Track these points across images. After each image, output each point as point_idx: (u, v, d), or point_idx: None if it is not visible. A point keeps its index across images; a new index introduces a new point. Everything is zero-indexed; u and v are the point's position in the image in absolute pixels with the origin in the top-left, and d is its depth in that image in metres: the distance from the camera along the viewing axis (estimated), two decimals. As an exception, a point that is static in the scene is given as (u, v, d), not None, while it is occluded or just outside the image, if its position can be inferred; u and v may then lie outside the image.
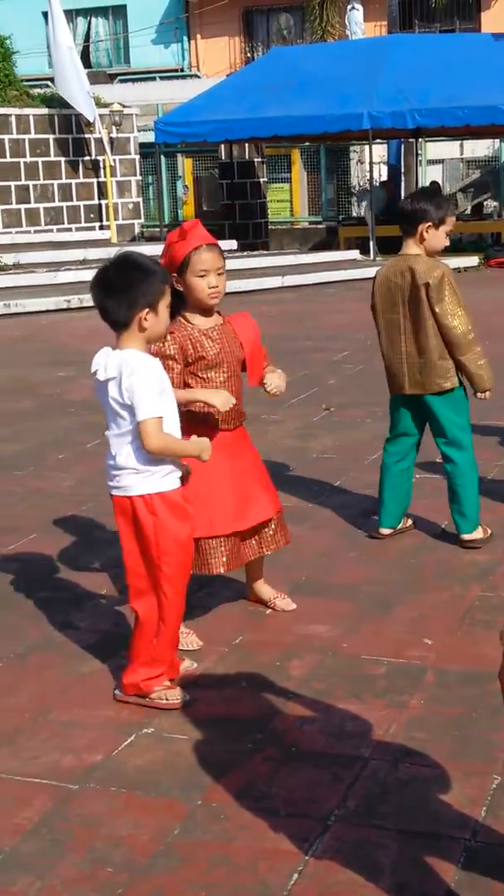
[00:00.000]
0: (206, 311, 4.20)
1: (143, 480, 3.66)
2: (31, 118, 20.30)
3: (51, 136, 20.55)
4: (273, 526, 4.50)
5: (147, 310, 3.58)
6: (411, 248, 5.09)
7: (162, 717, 3.76)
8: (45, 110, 20.49)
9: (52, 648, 4.33)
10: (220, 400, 4.10)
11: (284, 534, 4.57)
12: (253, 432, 7.64)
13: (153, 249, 19.20)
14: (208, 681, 4.02)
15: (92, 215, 21.24)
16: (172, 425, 3.71)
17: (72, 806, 3.26)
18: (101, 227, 20.95)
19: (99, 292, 3.61)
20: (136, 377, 3.55)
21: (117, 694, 3.88)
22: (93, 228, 20.90)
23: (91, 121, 20.33)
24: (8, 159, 19.91)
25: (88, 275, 13.33)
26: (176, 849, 3.05)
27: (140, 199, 22.24)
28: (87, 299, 14.40)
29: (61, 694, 3.95)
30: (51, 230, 20.22)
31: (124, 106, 21.75)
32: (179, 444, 3.72)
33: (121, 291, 3.56)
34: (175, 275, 4.04)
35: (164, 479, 3.68)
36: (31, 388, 9.46)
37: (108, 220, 20.83)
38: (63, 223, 20.70)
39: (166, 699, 3.80)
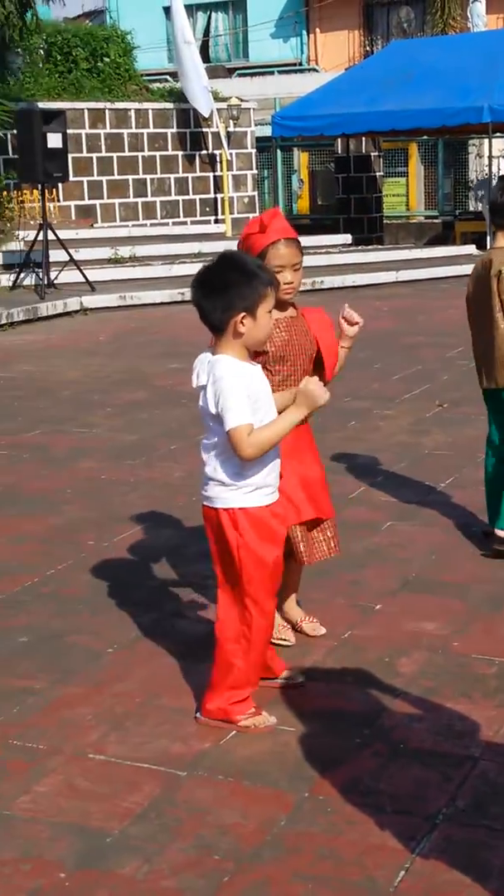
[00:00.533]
0: (280, 305, 3.90)
1: (229, 493, 3.50)
2: (150, 112, 20.49)
3: (169, 131, 20.72)
4: (330, 531, 4.25)
5: (244, 314, 3.37)
6: (499, 241, 5.01)
7: (269, 708, 3.76)
8: (163, 105, 20.67)
9: (162, 636, 4.37)
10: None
11: (338, 542, 4.29)
12: (365, 427, 7.66)
13: (268, 243, 19.32)
14: (317, 674, 4.02)
15: (207, 209, 21.37)
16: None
17: (180, 792, 3.29)
18: (217, 221, 21.06)
19: (196, 292, 3.43)
20: (222, 384, 3.36)
21: (199, 717, 3.69)
22: (208, 222, 21.02)
23: (207, 116, 20.44)
24: (126, 153, 20.14)
25: (204, 267, 13.15)
26: (282, 839, 3.05)
27: (255, 193, 22.29)
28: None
29: (171, 681, 3.99)
30: (166, 224, 20.41)
31: (242, 100, 21.82)
32: (273, 428, 3.44)
33: (218, 293, 3.37)
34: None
35: (251, 495, 3.50)
36: (145, 380, 9.57)
37: (223, 213, 20.93)
38: (179, 217, 20.86)
39: (254, 726, 3.62)
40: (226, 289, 3.36)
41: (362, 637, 4.32)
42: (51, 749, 3.53)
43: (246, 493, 3.49)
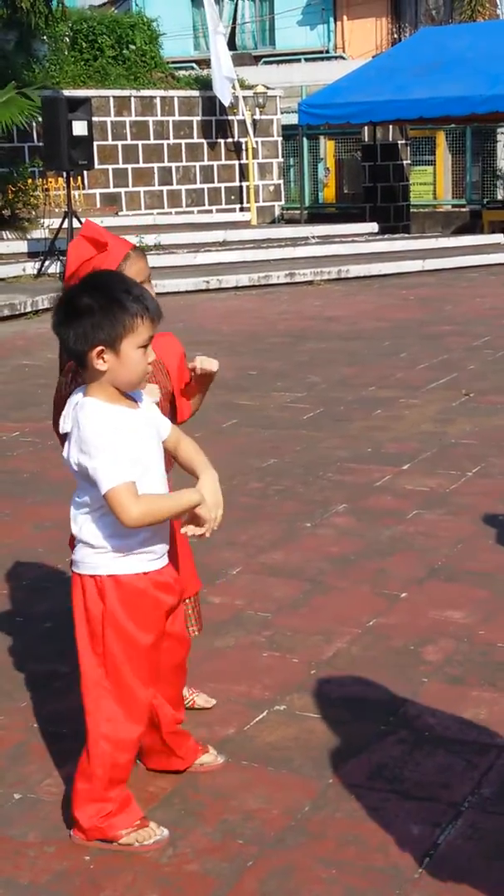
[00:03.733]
0: None
1: (97, 558, 2.88)
2: (176, 100, 20.49)
3: (195, 119, 20.72)
4: (194, 605, 3.70)
5: (101, 348, 2.74)
6: None
7: (294, 695, 3.76)
8: (189, 92, 20.66)
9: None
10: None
11: (200, 619, 3.73)
12: (390, 416, 7.64)
13: (294, 231, 19.28)
14: (341, 661, 4.01)
15: (233, 197, 21.35)
16: (156, 486, 2.87)
17: (203, 778, 3.28)
18: (242, 209, 21.05)
19: (53, 317, 2.82)
20: (86, 435, 2.74)
21: (73, 837, 3.00)
22: (233, 210, 21.02)
23: (226, 105, 20.40)
24: (152, 141, 20.15)
25: (228, 256, 13.57)
26: (306, 825, 3.05)
27: (281, 182, 22.26)
28: (226, 281, 14.61)
29: (195, 667, 3.95)
30: (191, 212, 20.40)
31: (268, 88, 21.78)
32: (167, 500, 2.86)
33: (73, 320, 2.75)
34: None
35: (125, 560, 2.87)
36: (170, 367, 9.55)
37: (248, 202, 20.91)
38: (204, 205, 20.86)
39: (137, 843, 2.96)
40: (81, 316, 2.74)
41: (387, 625, 4.31)
42: (74, 733, 3.52)
43: (118, 558, 2.87)
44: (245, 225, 19.75)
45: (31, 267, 14.72)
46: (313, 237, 18.90)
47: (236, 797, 3.19)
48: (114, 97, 19.69)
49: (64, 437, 2.87)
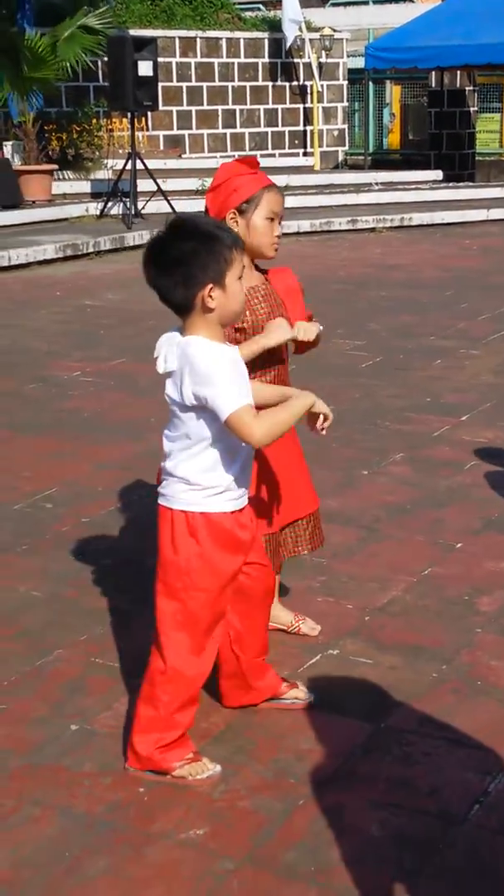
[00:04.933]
0: (254, 267, 3.50)
1: (190, 495, 2.97)
2: (242, 42, 20.27)
3: (260, 61, 20.49)
4: (311, 523, 3.78)
5: (211, 286, 2.83)
6: None
7: (347, 640, 3.79)
8: (255, 34, 20.43)
9: (243, 565, 4.40)
10: (277, 335, 3.27)
11: (320, 534, 3.83)
12: (450, 366, 7.59)
13: (357, 177, 19.10)
14: (395, 608, 4.03)
15: (296, 141, 21.16)
16: None
17: (257, 717, 3.34)
18: (305, 154, 20.85)
19: (149, 271, 2.88)
20: (204, 368, 2.82)
21: (127, 768, 3.10)
22: (296, 155, 20.83)
23: (288, 46, 20.13)
24: (216, 83, 19.97)
25: (290, 201, 13.30)
26: (357, 767, 3.09)
27: (345, 127, 22.01)
28: (287, 225, 14.49)
29: (250, 609, 4.03)
30: (255, 156, 20.25)
31: (335, 31, 21.46)
32: (282, 412, 2.96)
33: (176, 267, 2.83)
34: (234, 210, 3.36)
35: (216, 499, 2.97)
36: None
37: (312, 146, 20.71)
38: (267, 149, 20.69)
39: (191, 776, 3.06)
40: (184, 261, 2.82)
41: (442, 575, 4.32)
42: (131, 669, 3.60)
43: (210, 496, 2.97)
44: (308, 170, 19.58)
45: (93, 207, 14.71)
46: (376, 184, 18.70)
47: (288, 738, 3.23)
48: (179, 38, 19.51)
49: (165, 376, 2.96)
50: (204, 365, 2.82)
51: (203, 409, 2.87)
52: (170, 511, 3.01)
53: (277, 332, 3.30)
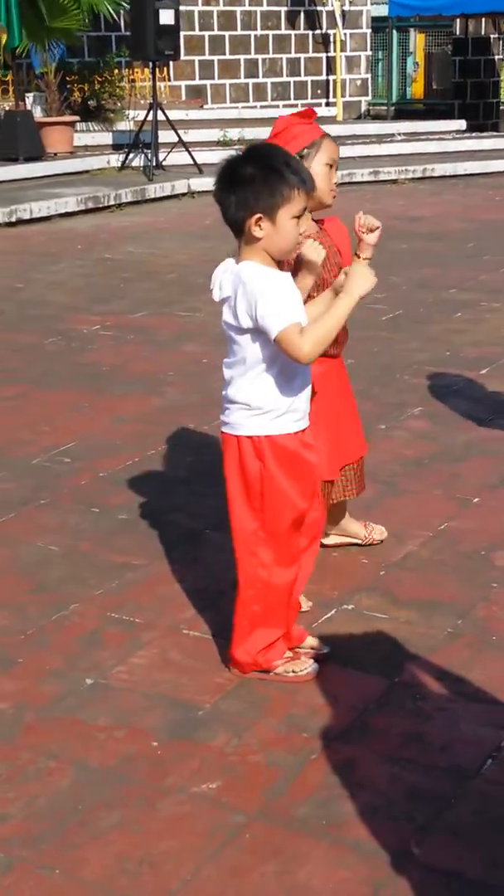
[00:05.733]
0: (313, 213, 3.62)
1: (253, 419, 3.09)
2: (264, -11, 19.99)
3: (282, 9, 20.20)
4: (359, 467, 3.98)
5: (259, 215, 2.93)
6: None
7: (362, 595, 3.79)
8: (278, -20, 20.14)
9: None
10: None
11: (362, 479, 4.03)
12: (471, 319, 7.53)
13: (379, 128, 18.88)
14: (411, 563, 4.03)
15: (319, 91, 20.91)
16: None
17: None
18: (328, 104, 20.61)
19: (215, 185, 3.02)
20: (255, 289, 2.95)
21: (230, 669, 3.33)
22: (319, 105, 20.56)
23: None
24: (238, 32, 19.71)
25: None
26: (370, 722, 3.10)
27: (369, 76, 21.74)
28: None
29: (266, 564, 4.03)
30: (277, 106, 20.03)
31: (359, -23, 21.14)
32: (329, 319, 3.04)
33: (235, 188, 2.94)
34: (295, 157, 3.28)
35: (278, 421, 3.09)
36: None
37: (335, 96, 20.46)
38: (290, 99, 20.45)
39: (294, 672, 3.29)
40: (243, 184, 2.93)
41: (459, 529, 4.31)
42: (147, 623, 3.61)
43: (273, 419, 3.08)
44: (331, 120, 19.35)
45: (115, 159, 14.60)
46: (399, 134, 18.49)
47: (302, 692, 3.24)
48: (202, -15, 19.28)
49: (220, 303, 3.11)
50: (255, 286, 2.95)
51: (258, 332, 3.00)
52: (235, 438, 3.14)
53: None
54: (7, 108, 14.18)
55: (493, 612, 3.68)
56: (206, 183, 13.78)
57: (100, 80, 16.38)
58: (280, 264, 3.10)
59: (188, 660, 3.41)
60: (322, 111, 20.09)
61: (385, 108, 21.72)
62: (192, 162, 14.10)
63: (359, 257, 3.51)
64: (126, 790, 2.83)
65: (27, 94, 15.35)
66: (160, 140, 14.23)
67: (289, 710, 3.16)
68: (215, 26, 19.43)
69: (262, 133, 17.09)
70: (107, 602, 3.76)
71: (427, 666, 3.37)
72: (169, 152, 14.19)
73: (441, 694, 3.23)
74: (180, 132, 14.36)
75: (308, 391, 3.17)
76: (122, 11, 16.31)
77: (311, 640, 3.42)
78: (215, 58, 19.47)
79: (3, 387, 6.16)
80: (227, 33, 19.58)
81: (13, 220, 11.28)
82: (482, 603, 3.74)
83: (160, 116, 13.97)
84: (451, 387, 6.08)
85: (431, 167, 15.73)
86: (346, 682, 3.30)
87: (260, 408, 3.08)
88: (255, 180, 2.92)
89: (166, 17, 13.59)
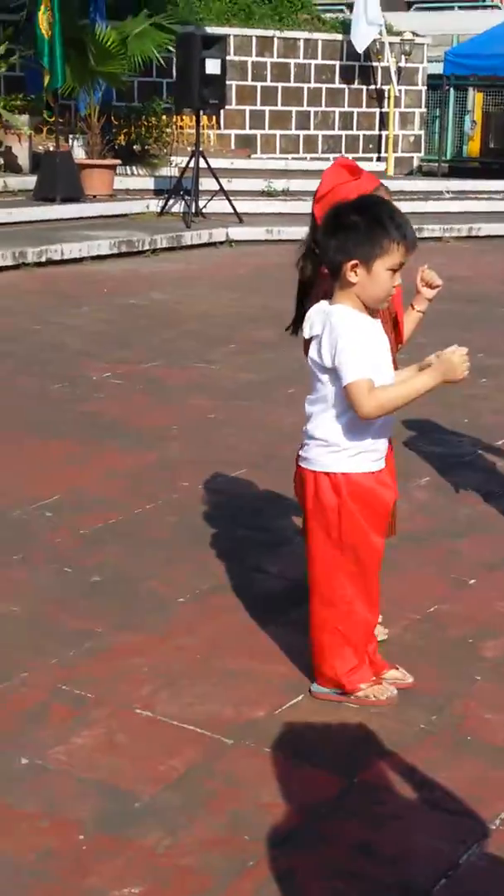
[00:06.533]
0: None
1: (331, 456, 3.23)
2: (320, 43, 19.99)
3: (337, 63, 20.19)
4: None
5: (356, 262, 3.10)
6: None
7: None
8: (334, 36, 20.14)
9: (237, 591, 4.16)
10: (455, 371, 3.19)
11: (393, 524, 3.82)
12: (495, 387, 7.27)
13: (428, 185, 18.73)
14: (392, 648, 3.75)
15: (371, 146, 20.84)
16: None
17: (221, 762, 3.09)
18: (379, 159, 20.53)
19: (321, 228, 3.22)
20: (338, 335, 3.10)
21: (313, 691, 3.41)
22: (370, 159, 20.49)
23: (359, 52, 19.76)
24: (292, 84, 19.71)
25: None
26: (319, 827, 2.83)
27: (422, 132, 21.64)
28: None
29: (236, 640, 3.79)
30: (327, 159, 19.96)
31: (416, 35, 21.10)
32: (402, 388, 3.17)
33: (337, 232, 3.12)
34: None
35: (355, 459, 3.22)
36: (277, 318, 9.21)
37: (386, 151, 20.37)
38: (340, 152, 20.37)
39: (374, 696, 3.37)
40: (345, 230, 3.11)
41: (449, 613, 4.04)
42: (97, 699, 3.37)
43: (349, 457, 3.22)
44: (379, 175, 19.19)
45: (155, 204, 14.53)
46: (447, 192, 18.32)
47: (251, 787, 2.98)
48: (256, 37, 19.27)
49: (307, 343, 3.25)
50: (340, 330, 3.10)
51: (338, 373, 3.13)
52: (312, 474, 3.26)
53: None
54: (49, 149, 14.16)
55: (472, 709, 3.41)
56: (246, 232, 13.71)
57: (146, 124, 16.39)
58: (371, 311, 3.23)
59: (134, 743, 3.16)
60: (372, 166, 20.01)
61: (436, 164, 21.59)
62: (232, 211, 13.99)
63: (413, 308, 3.79)
64: (38, 890, 2.58)
65: (71, 136, 15.39)
66: (204, 188, 14.15)
67: (232, 806, 2.90)
68: (269, 77, 19.44)
69: (309, 185, 17.00)
70: (59, 673, 3.53)
71: (391, 765, 3.11)
72: (209, 200, 14.10)
73: (401, 799, 2.96)
74: (225, 181, 14.28)
75: (388, 434, 3.31)
76: (173, 58, 16.34)
77: (393, 673, 3.48)
78: (267, 108, 19.47)
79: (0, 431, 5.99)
80: (280, 84, 19.58)
81: (43, 260, 11.18)
82: (461, 698, 3.47)
83: (202, 164, 13.89)
84: (464, 456, 5.82)
85: (478, 226, 15.53)
86: (302, 778, 3.04)
87: (338, 445, 3.20)
88: (358, 228, 3.09)
89: (212, 66, 13.55)
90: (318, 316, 3.20)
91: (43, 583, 4.18)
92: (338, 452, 3.21)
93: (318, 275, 3.50)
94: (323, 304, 3.24)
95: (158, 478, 5.32)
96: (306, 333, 3.25)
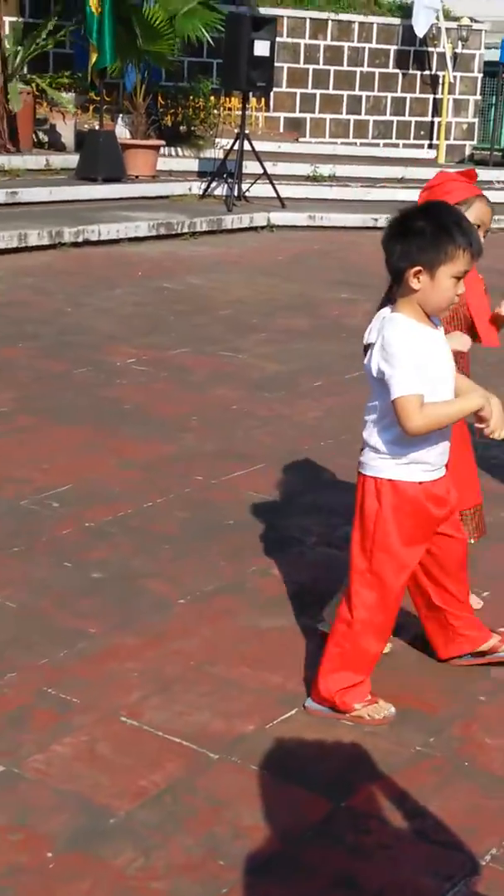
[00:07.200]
0: None
1: (380, 462, 3.18)
2: (375, 27, 19.72)
3: (392, 47, 19.92)
4: (473, 515, 4.07)
5: (419, 269, 3.02)
6: None
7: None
8: (390, 20, 19.85)
9: (240, 593, 4.03)
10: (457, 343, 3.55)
11: (481, 528, 4.13)
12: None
13: (481, 174, 18.41)
14: (394, 663, 3.60)
15: (422, 132, 20.55)
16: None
17: (204, 778, 2.97)
18: (430, 146, 20.25)
19: (385, 232, 3.13)
20: (390, 347, 3.03)
21: (307, 706, 3.31)
22: (420, 146, 20.24)
23: (419, 36, 19.47)
24: (344, 67, 19.47)
25: (404, 194, 12.80)
26: (300, 854, 2.70)
27: (476, 120, 21.30)
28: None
29: (234, 646, 3.66)
30: (377, 144, 19.72)
31: (474, 21, 20.74)
32: (447, 407, 3.12)
33: (401, 237, 3.04)
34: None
35: (405, 468, 3.16)
36: (312, 307, 9.14)
37: (438, 139, 20.07)
38: (391, 138, 20.13)
39: (368, 716, 3.26)
40: (410, 235, 3.03)
41: (458, 626, 3.88)
42: (83, 705, 3.26)
43: (398, 465, 3.16)
44: (428, 163, 18.93)
45: (197, 187, 14.37)
46: (498, 182, 18.02)
47: (232, 808, 2.86)
48: (311, 19, 19.04)
49: (367, 348, 3.17)
50: (391, 343, 3.04)
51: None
52: (363, 478, 3.23)
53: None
54: (94, 128, 14.03)
55: (472, 733, 3.26)
56: (287, 217, 13.52)
57: (194, 105, 16.22)
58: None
59: (116, 754, 3.04)
60: (422, 153, 19.76)
61: (488, 153, 21.23)
62: (275, 195, 13.81)
63: (500, 315, 3.81)
64: (0, 910, 2.47)
65: (117, 115, 15.26)
66: (249, 171, 13.97)
67: (211, 827, 2.78)
68: (321, 60, 19.20)
69: (356, 171, 16.84)
70: (48, 674, 3.42)
71: (382, 790, 2.97)
72: (252, 183, 13.92)
73: (389, 827, 2.82)
74: (270, 164, 14.11)
75: (445, 446, 3.22)
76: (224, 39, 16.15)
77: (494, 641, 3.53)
78: (318, 91, 19.25)
79: (18, 415, 5.88)
80: (332, 68, 19.34)
81: (79, 240, 11.07)
82: (462, 719, 3.32)
83: (246, 147, 13.72)
84: (491, 459, 5.64)
85: (525, 219, 15.23)
86: (286, 800, 2.91)
87: (386, 453, 3.16)
88: (424, 234, 3.01)
89: (261, 48, 13.36)
90: (377, 323, 3.15)
91: (41, 577, 4.07)
92: (388, 459, 3.17)
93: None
94: (385, 310, 3.17)
95: (172, 470, 5.20)
96: (365, 339, 3.18)
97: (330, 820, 2.84)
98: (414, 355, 3.04)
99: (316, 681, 3.30)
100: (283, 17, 18.04)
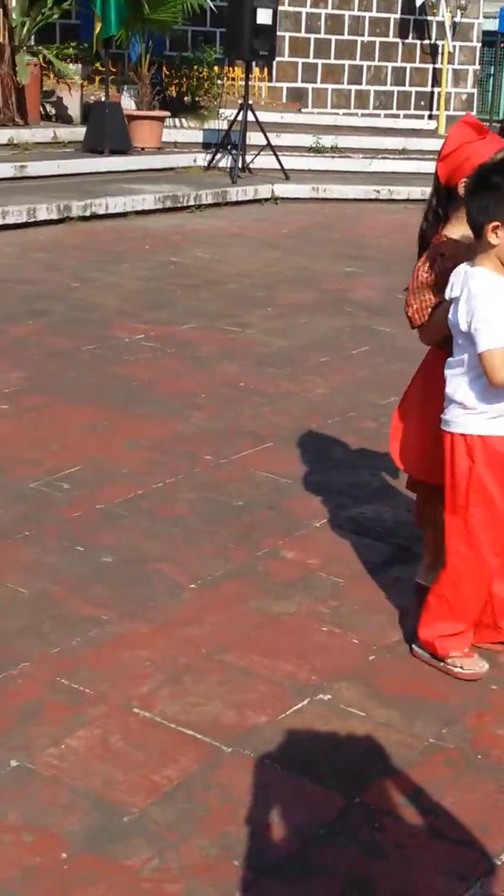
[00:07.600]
0: None
1: (468, 418, 3.22)
2: (376, -5, 19.52)
3: (392, 16, 19.73)
4: None
5: (497, 224, 3.07)
6: None
7: (342, 684, 3.36)
8: (391, -13, 19.64)
9: (252, 578, 4.00)
10: None
11: None
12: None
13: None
14: (405, 650, 3.57)
15: (422, 103, 20.39)
16: None
17: (218, 772, 2.94)
18: (430, 117, 20.08)
19: (465, 187, 3.22)
20: (476, 301, 3.09)
21: (413, 649, 3.50)
22: (421, 117, 20.07)
23: (419, 4, 19.24)
24: (345, 37, 19.28)
25: (405, 165, 12.75)
26: (314, 853, 2.68)
27: (475, 91, 21.13)
28: (398, 191, 13.86)
29: (246, 633, 3.63)
30: (378, 115, 19.56)
31: (474, -11, 20.53)
32: None
33: (482, 192, 3.09)
34: (465, 179, 3.32)
35: (493, 422, 3.20)
36: (316, 280, 9.08)
37: (438, 109, 19.91)
38: (392, 108, 19.98)
39: (462, 668, 3.39)
40: (489, 191, 3.08)
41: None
42: (96, 696, 3.24)
43: (488, 420, 3.20)
44: (429, 133, 18.78)
45: (202, 158, 14.27)
46: (498, 153, 17.84)
47: (245, 805, 2.83)
48: (312, -15, 18.87)
49: (448, 303, 3.24)
50: (477, 295, 3.09)
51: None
52: (450, 435, 3.26)
53: None
54: (100, 99, 13.89)
55: (485, 723, 3.24)
56: (291, 189, 13.42)
57: (197, 76, 16.07)
58: None
59: (129, 748, 3.02)
60: (422, 123, 19.61)
61: (488, 123, 21.08)
62: (279, 167, 13.70)
63: None
64: (15, 911, 2.45)
65: (122, 86, 15.11)
66: (253, 142, 13.85)
67: (226, 827, 2.75)
68: (322, 29, 19.02)
69: (357, 142, 16.70)
70: (61, 664, 3.39)
71: (396, 784, 2.94)
72: (256, 155, 13.81)
73: (403, 824, 2.80)
74: (273, 135, 13.99)
75: None
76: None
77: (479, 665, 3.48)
78: (319, 61, 19.08)
79: (27, 395, 5.83)
80: (333, 37, 19.17)
81: (87, 214, 10.99)
82: (475, 709, 3.30)
83: (250, 118, 13.60)
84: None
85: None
86: (300, 796, 2.88)
87: (474, 408, 3.19)
88: (501, 189, 3.05)
89: (264, 16, 13.22)
90: (458, 278, 3.18)
91: (52, 562, 4.04)
92: (475, 415, 3.20)
93: (435, 234, 3.51)
94: (464, 265, 3.20)
95: (181, 450, 5.16)
96: (447, 294, 3.23)
97: (344, 816, 2.81)
98: (498, 308, 3.09)
99: (419, 625, 3.46)
100: (285, -16, 17.86)
